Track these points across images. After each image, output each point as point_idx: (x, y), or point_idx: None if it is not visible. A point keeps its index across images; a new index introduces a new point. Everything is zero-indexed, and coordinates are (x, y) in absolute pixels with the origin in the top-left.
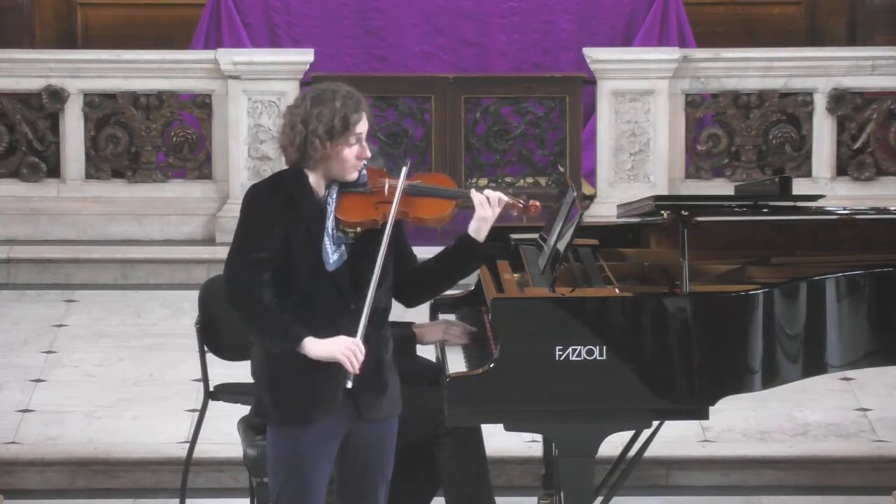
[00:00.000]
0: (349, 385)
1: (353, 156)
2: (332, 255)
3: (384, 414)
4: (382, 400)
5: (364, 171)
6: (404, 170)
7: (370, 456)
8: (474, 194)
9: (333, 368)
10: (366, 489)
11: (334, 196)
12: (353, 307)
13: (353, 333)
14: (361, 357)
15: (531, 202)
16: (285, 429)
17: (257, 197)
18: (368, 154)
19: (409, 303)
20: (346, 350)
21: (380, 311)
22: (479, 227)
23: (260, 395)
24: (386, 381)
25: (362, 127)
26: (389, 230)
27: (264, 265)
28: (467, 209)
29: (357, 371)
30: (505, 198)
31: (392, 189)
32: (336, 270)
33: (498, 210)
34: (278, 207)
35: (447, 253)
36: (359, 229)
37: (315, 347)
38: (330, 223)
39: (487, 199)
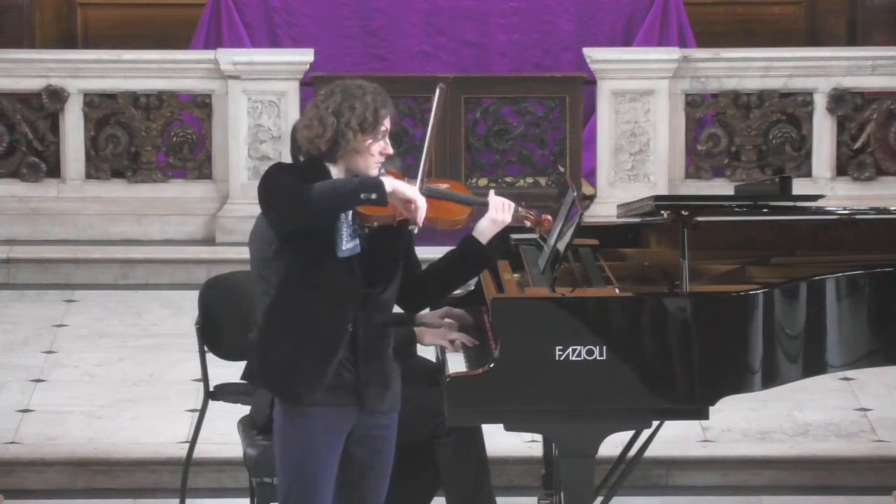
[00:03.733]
0: (416, 231)
1: (378, 151)
2: (347, 243)
3: (387, 407)
4: (387, 392)
5: (382, 170)
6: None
7: (371, 453)
8: (493, 197)
9: (328, 349)
10: (366, 487)
11: None
12: (362, 296)
13: (360, 321)
14: (424, 213)
15: (544, 216)
16: (290, 421)
17: (282, 169)
18: (391, 150)
19: (411, 307)
20: (422, 198)
21: (384, 303)
22: (485, 229)
23: (251, 362)
24: (389, 374)
25: (388, 123)
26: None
27: None
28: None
29: (420, 223)
30: (512, 208)
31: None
32: (351, 261)
33: (509, 218)
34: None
35: (450, 257)
36: (375, 224)
37: (400, 182)
38: (349, 213)
39: (503, 204)
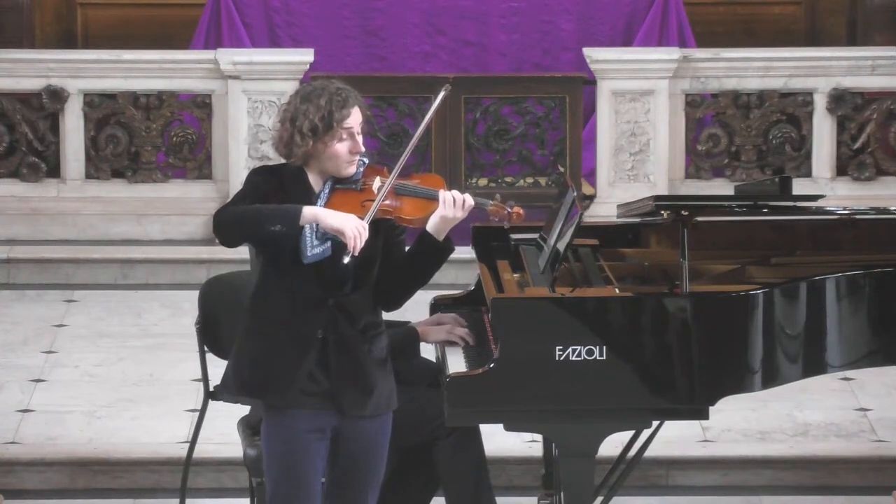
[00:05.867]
0: (346, 260)
1: (346, 150)
2: (314, 248)
3: (371, 411)
4: (369, 398)
5: (361, 169)
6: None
7: (360, 454)
8: (441, 193)
9: (296, 355)
10: (355, 489)
11: (327, 192)
12: (332, 303)
13: (329, 329)
14: (364, 241)
15: (514, 209)
16: (272, 423)
17: (258, 174)
18: (362, 148)
19: (383, 304)
20: (355, 227)
21: (360, 308)
22: (436, 225)
23: (227, 368)
24: (369, 379)
25: (353, 121)
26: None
27: None
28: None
29: (356, 252)
30: (471, 202)
31: (380, 188)
32: (318, 264)
33: (461, 213)
34: (272, 192)
35: (410, 253)
36: None
37: (326, 214)
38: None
39: (454, 199)
